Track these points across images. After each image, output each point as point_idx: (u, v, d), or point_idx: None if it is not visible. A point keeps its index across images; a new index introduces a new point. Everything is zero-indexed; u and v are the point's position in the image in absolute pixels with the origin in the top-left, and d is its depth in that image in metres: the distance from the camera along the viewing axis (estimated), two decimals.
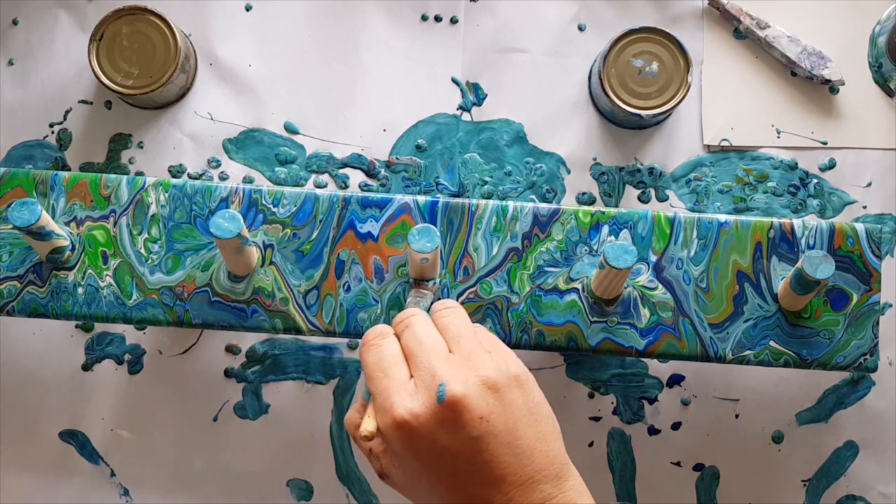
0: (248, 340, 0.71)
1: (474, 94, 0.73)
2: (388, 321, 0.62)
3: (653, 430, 0.71)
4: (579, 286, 0.62)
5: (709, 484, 0.71)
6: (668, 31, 0.69)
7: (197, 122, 0.73)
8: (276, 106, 0.73)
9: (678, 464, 0.71)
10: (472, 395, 0.48)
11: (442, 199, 0.63)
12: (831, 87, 0.73)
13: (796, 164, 0.72)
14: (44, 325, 0.71)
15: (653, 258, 0.63)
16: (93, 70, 0.69)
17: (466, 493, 0.48)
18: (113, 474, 0.71)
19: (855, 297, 0.63)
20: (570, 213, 0.63)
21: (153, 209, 0.63)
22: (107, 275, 0.63)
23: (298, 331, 0.62)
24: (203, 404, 0.71)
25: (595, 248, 0.63)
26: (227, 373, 0.71)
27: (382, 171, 0.72)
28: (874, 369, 0.63)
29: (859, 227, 0.63)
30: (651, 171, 0.72)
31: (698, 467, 0.71)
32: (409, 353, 0.50)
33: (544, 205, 0.63)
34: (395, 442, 0.48)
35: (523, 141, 0.73)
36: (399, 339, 0.52)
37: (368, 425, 0.49)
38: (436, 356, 0.49)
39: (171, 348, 0.72)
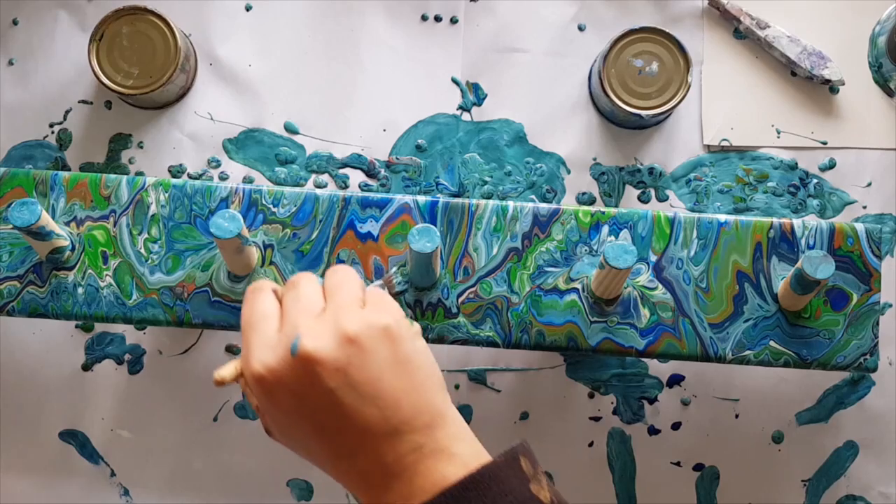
0: None
1: (474, 94, 0.73)
2: None
3: (653, 430, 0.71)
4: (579, 286, 0.62)
5: (709, 484, 0.71)
6: (668, 31, 0.69)
7: (197, 122, 0.73)
8: (276, 106, 0.73)
9: (678, 464, 0.71)
10: (326, 348, 0.47)
11: (442, 199, 0.63)
12: (831, 87, 0.73)
13: (796, 164, 0.72)
14: (44, 325, 0.71)
15: (653, 258, 0.63)
16: (93, 70, 0.69)
17: (334, 444, 0.48)
18: (113, 474, 0.71)
19: (855, 297, 0.63)
20: (570, 213, 0.63)
21: (153, 209, 0.63)
22: (107, 275, 0.63)
23: None
24: (203, 404, 0.71)
25: (595, 248, 0.63)
26: None
27: (382, 171, 0.72)
28: (874, 369, 0.63)
29: (859, 227, 0.63)
30: (651, 171, 0.72)
31: (698, 467, 0.71)
32: (284, 310, 0.50)
33: (544, 205, 0.63)
34: (258, 396, 0.48)
35: (523, 141, 0.73)
36: (271, 298, 0.51)
37: (223, 372, 0.49)
38: (305, 313, 0.49)
39: (171, 348, 0.72)
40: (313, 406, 0.47)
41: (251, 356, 0.48)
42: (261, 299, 0.51)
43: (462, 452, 0.48)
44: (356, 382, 0.47)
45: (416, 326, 0.51)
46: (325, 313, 0.49)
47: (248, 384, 0.49)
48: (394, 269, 0.59)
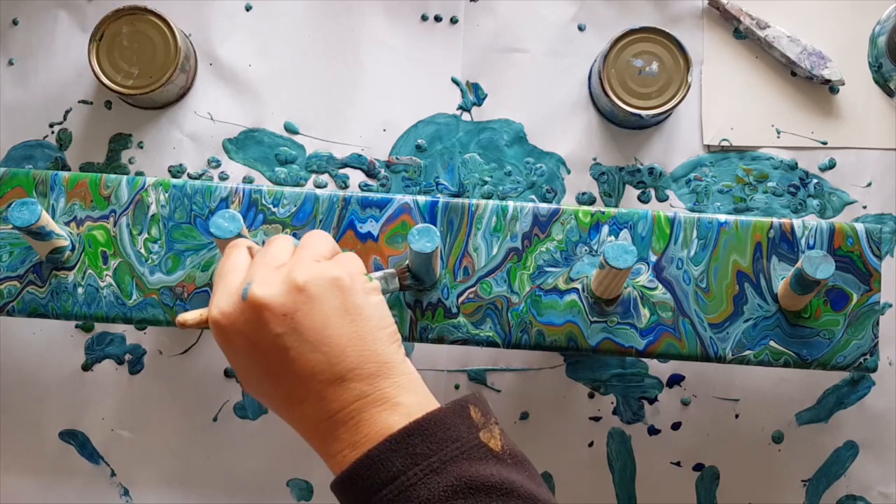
0: None
1: (474, 94, 0.73)
2: None
3: (653, 430, 0.71)
4: (579, 286, 0.62)
5: (709, 484, 0.71)
6: (668, 31, 0.69)
7: (197, 122, 0.73)
8: (276, 106, 0.73)
9: (678, 464, 0.71)
10: (274, 294, 0.49)
11: (442, 199, 0.63)
12: (831, 87, 0.73)
13: (796, 164, 0.72)
14: (44, 325, 0.71)
15: (653, 258, 0.63)
16: (93, 70, 0.69)
17: (283, 389, 0.50)
18: (113, 474, 0.71)
19: (855, 297, 0.63)
20: (570, 213, 0.63)
21: (153, 209, 0.63)
22: (107, 275, 0.63)
23: None
24: (203, 404, 0.71)
25: (595, 248, 0.63)
26: (227, 373, 0.71)
27: (382, 171, 0.72)
28: (874, 369, 0.63)
29: (859, 227, 0.63)
30: (651, 171, 0.72)
31: (698, 467, 0.71)
32: (251, 264, 0.52)
33: (544, 205, 0.63)
34: (218, 340, 0.51)
35: (523, 141, 0.73)
36: (244, 254, 0.54)
37: (187, 315, 0.53)
38: (266, 265, 0.51)
39: (171, 348, 0.72)
40: (263, 350, 0.49)
41: (212, 303, 0.51)
42: (234, 255, 0.53)
43: (408, 402, 0.49)
44: (302, 329, 0.49)
45: (375, 283, 0.52)
46: (283, 266, 0.51)
47: (212, 331, 0.51)
48: (407, 262, 0.59)
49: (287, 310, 0.49)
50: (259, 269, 0.51)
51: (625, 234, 0.63)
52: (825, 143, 0.72)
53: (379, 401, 0.49)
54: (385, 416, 0.48)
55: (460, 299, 0.62)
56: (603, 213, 0.63)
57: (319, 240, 0.53)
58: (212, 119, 0.73)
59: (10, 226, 0.62)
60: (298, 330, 0.49)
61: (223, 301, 0.50)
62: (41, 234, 0.60)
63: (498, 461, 0.47)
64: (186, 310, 0.62)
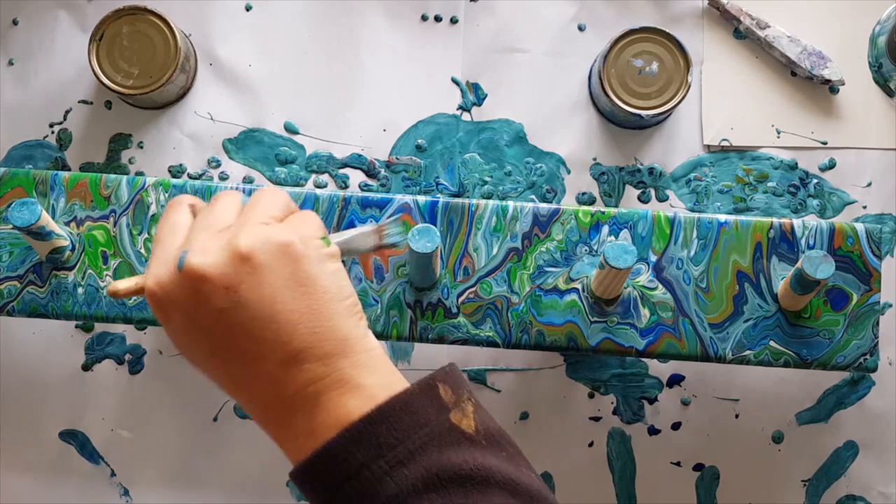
0: None
1: (474, 94, 0.73)
2: (387, 321, 0.62)
3: (653, 430, 0.71)
4: (579, 286, 0.62)
5: (709, 484, 0.71)
6: (668, 31, 0.69)
7: (197, 122, 0.73)
8: (276, 106, 0.73)
9: (678, 464, 0.71)
10: (213, 264, 0.43)
11: (442, 199, 0.63)
12: (831, 87, 0.73)
13: (796, 164, 0.72)
14: (44, 325, 0.71)
15: (653, 258, 0.63)
16: (93, 70, 0.69)
17: (229, 369, 0.44)
18: (113, 474, 0.71)
19: (855, 297, 0.63)
20: (570, 213, 0.63)
21: (153, 209, 0.63)
22: (107, 275, 0.63)
23: None
24: (203, 404, 0.71)
25: (595, 248, 0.63)
26: None
27: (382, 171, 0.72)
28: (874, 369, 0.63)
29: (859, 227, 0.63)
30: (651, 171, 0.72)
31: (698, 467, 0.71)
32: (193, 226, 0.47)
33: (544, 205, 0.63)
34: (154, 311, 0.45)
35: (523, 141, 0.73)
36: (188, 212, 0.48)
37: (120, 283, 0.47)
38: (207, 228, 0.45)
39: (172, 348, 0.72)
40: (205, 326, 0.44)
41: (148, 271, 0.45)
42: (174, 214, 0.48)
43: (370, 383, 0.44)
44: (248, 303, 0.43)
45: (333, 248, 0.47)
46: (227, 229, 0.46)
47: (147, 295, 0.46)
48: (391, 219, 0.54)
49: (229, 282, 0.43)
50: (199, 234, 0.45)
51: (625, 234, 0.63)
52: (825, 143, 0.72)
53: (337, 383, 0.43)
54: (345, 400, 0.43)
55: (460, 299, 0.62)
56: (603, 213, 0.63)
57: (270, 197, 0.47)
58: (212, 119, 0.73)
59: (10, 226, 0.62)
60: (243, 304, 0.43)
61: (159, 269, 0.45)
62: (41, 234, 0.60)
63: (472, 444, 0.42)
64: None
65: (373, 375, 0.44)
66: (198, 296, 0.44)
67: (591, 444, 0.71)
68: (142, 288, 0.46)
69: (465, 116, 0.73)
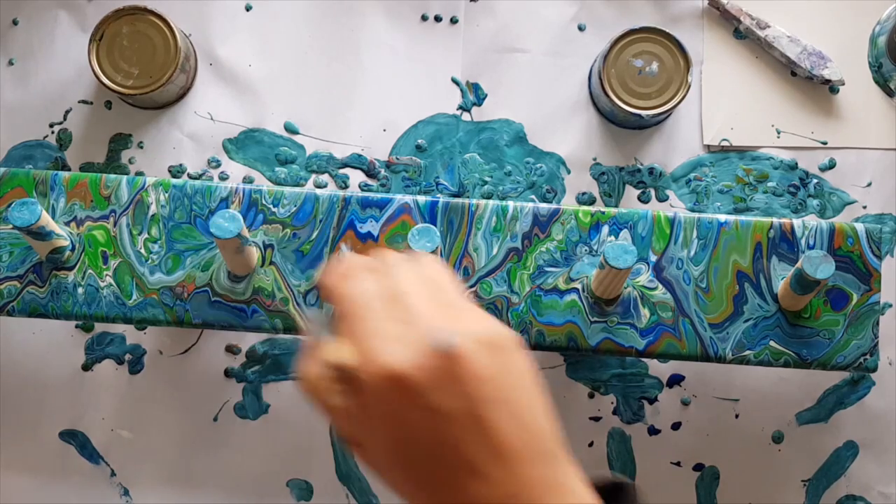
0: (248, 340, 0.71)
1: (474, 94, 0.73)
2: None
3: (653, 430, 0.71)
4: (579, 286, 0.62)
5: (709, 484, 0.71)
6: (668, 31, 0.69)
7: (197, 122, 0.73)
8: (276, 106, 0.73)
9: (678, 464, 0.71)
10: (471, 350, 0.40)
11: (442, 199, 0.63)
12: (831, 87, 0.73)
13: (796, 164, 0.72)
14: (44, 325, 0.71)
15: (653, 258, 0.63)
16: (93, 70, 0.69)
17: (459, 465, 0.40)
18: (113, 474, 0.71)
19: (855, 297, 0.63)
20: (570, 213, 0.63)
21: (153, 209, 0.63)
22: (107, 275, 0.63)
23: (298, 331, 0.62)
24: (203, 404, 0.71)
25: (595, 248, 0.63)
26: (227, 373, 0.71)
27: (382, 171, 0.72)
28: (874, 369, 0.63)
29: (859, 227, 0.63)
30: (651, 171, 0.72)
31: (698, 467, 0.71)
32: (393, 295, 0.42)
33: (544, 205, 0.63)
34: (380, 397, 0.40)
35: (523, 141, 0.73)
36: (374, 279, 0.44)
37: (343, 354, 0.40)
38: (424, 303, 0.42)
39: (171, 348, 0.72)
40: (450, 415, 0.40)
41: (384, 349, 0.40)
42: (367, 279, 0.43)
43: (578, 490, 0.42)
44: (497, 395, 0.40)
45: None
46: (446, 308, 0.42)
47: (369, 383, 0.40)
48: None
49: (482, 371, 0.40)
50: (431, 312, 0.41)
51: (625, 234, 0.63)
52: (825, 143, 0.72)
53: (555, 485, 0.41)
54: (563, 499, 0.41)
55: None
56: (603, 213, 0.63)
57: (452, 274, 0.45)
58: (212, 119, 0.73)
59: (10, 226, 0.62)
60: (493, 397, 0.40)
61: (399, 349, 0.40)
62: (41, 234, 0.60)
63: None
64: (187, 310, 0.62)
65: (578, 480, 0.42)
66: (453, 381, 0.40)
67: (591, 444, 0.71)
68: (354, 366, 0.41)
69: (465, 116, 0.73)
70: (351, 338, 0.41)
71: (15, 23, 0.74)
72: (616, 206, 0.72)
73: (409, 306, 0.41)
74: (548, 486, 0.41)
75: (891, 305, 0.71)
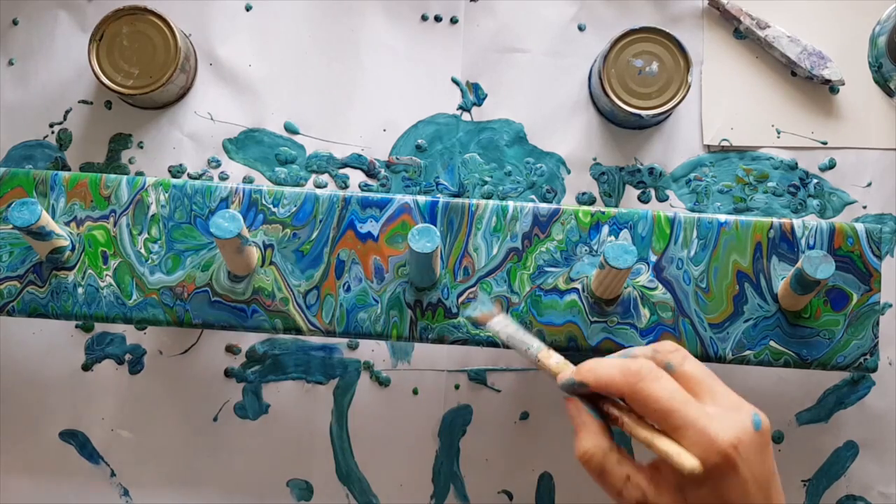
0: (248, 340, 0.71)
1: (474, 94, 0.73)
2: (387, 321, 0.62)
3: None
4: (579, 286, 0.62)
5: None
6: (668, 31, 0.69)
7: (197, 122, 0.73)
8: (276, 106, 0.73)
9: None
10: (769, 430, 0.48)
11: (442, 199, 0.63)
12: (831, 87, 0.73)
13: (796, 164, 0.72)
14: (44, 325, 0.71)
15: (653, 258, 0.63)
16: (93, 70, 0.69)
17: None
18: (113, 474, 0.71)
19: (855, 297, 0.63)
20: (570, 213, 0.63)
21: (153, 209, 0.63)
22: (107, 275, 0.63)
23: (298, 331, 0.62)
24: (203, 404, 0.71)
25: (595, 248, 0.63)
26: (227, 373, 0.71)
27: (382, 171, 0.72)
28: (874, 369, 0.63)
29: (859, 227, 0.63)
30: (651, 171, 0.72)
31: None
32: (692, 382, 0.49)
33: (544, 205, 0.63)
34: (711, 470, 0.46)
35: (523, 141, 0.73)
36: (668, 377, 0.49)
37: (690, 462, 0.45)
38: (719, 390, 0.49)
39: (172, 348, 0.72)
40: (759, 482, 0.47)
41: (718, 433, 0.46)
42: (668, 378, 0.49)
43: None
44: (775, 469, 0.49)
45: None
46: (730, 394, 0.49)
47: (705, 462, 0.46)
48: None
49: (771, 446, 0.48)
50: (733, 397, 0.49)
51: (625, 234, 0.63)
52: (825, 143, 0.72)
53: None
54: None
55: (460, 299, 0.62)
56: (603, 213, 0.63)
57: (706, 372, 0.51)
58: (212, 119, 0.73)
59: (10, 226, 0.62)
60: (776, 470, 0.49)
61: (727, 430, 0.46)
62: (41, 234, 0.60)
63: None
64: (187, 310, 0.62)
65: None
66: (764, 454, 0.47)
67: None
68: (695, 471, 0.46)
69: (465, 116, 0.73)
70: (676, 430, 0.47)
71: (15, 23, 0.74)
72: (616, 206, 0.72)
73: (708, 388, 0.48)
74: None
75: (891, 305, 0.71)
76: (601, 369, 0.49)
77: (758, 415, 0.48)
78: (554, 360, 0.53)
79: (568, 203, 0.72)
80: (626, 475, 0.48)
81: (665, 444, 0.47)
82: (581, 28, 0.74)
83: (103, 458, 0.71)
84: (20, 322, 0.71)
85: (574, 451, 0.50)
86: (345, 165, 0.73)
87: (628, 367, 0.48)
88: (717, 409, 0.47)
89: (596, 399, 0.50)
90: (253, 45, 0.74)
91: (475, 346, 0.62)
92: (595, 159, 0.72)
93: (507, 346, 0.55)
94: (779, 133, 0.73)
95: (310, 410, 0.71)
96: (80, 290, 0.63)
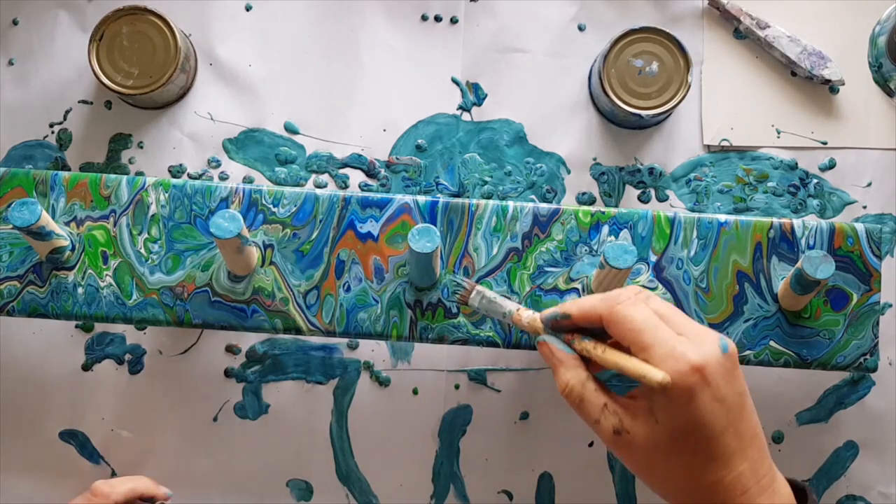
0: (248, 340, 0.71)
1: (474, 94, 0.73)
2: (387, 321, 0.62)
3: None
4: (579, 286, 0.62)
5: None
6: (668, 31, 0.69)
7: (197, 122, 0.73)
8: (276, 106, 0.73)
9: None
10: (736, 353, 0.50)
11: (442, 199, 0.63)
12: (831, 87, 0.73)
13: (796, 164, 0.72)
14: (44, 325, 0.71)
15: (653, 258, 0.63)
16: (93, 70, 0.69)
17: (723, 450, 0.49)
18: (113, 474, 0.71)
19: (855, 297, 0.63)
20: (570, 213, 0.63)
21: (153, 209, 0.63)
22: (107, 275, 0.63)
23: (298, 331, 0.62)
24: (203, 404, 0.71)
25: (595, 248, 0.63)
26: (227, 373, 0.71)
27: (382, 171, 0.72)
28: (874, 369, 0.63)
29: (859, 227, 0.63)
30: (651, 171, 0.72)
31: None
32: (664, 315, 0.51)
33: (544, 205, 0.63)
34: (680, 391, 0.48)
35: (523, 141, 0.73)
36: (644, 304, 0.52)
37: (657, 375, 0.48)
38: (686, 319, 0.51)
39: (171, 348, 0.72)
40: (728, 405, 0.49)
41: (685, 351, 0.48)
42: (646, 303, 0.51)
43: (783, 482, 0.52)
44: (746, 391, 0.50)
45: None
46: (699, 326, 0.51)
47: (673, 380, 0.48)
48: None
49: (739, 369, 0.50)
50: (696, 328, 0.51)
51: (625, 234, 0.63)
52: (825, 143, 0.72)
53: (773, 468, 0.51)
54: (781, 486, 0.51)
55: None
56: (603, 213, 0.63)
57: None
58: (212, 119, 0.73)
59: (10, 226, 0.62)
60: (748, 392, 0.50)
61: (694, 350, 0.48)
62: (41, 234, 0.60)
63: None
64: (187, 310, 0.62)
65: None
66: (732, 376, 0.49)
67: (591, 444, 0.71)
68: (664, 384, 0.48)
69: (465, 116, 0.73)
70: (647, 349, 0.49)
71: (15, 23, 0.74)
72: (616, 206, 0.72)
73: (679, 321, 0.51)
74: (770, 479, 0.50)
75: (891, 305, 0.71)
76: (582, 300, 0.53)
77: (725, 340, 0.49)
78: (525, 318, 0.55)
79: (568, 203, 0.72)
80: (603, 403, 0.51)
81: (634, 362, 0.49)
82: (581, 28, 0.74)
83: (103, 458, 0.71)
84: (20, 322, 0.71)
85: (556, 388, 0.53)
86: (345, 165, 0.73)
87: (608, 294, 0.52)
88: (685, 336, 0.50)
89: (568, 340, 0.53)
90: (253, 45, 0.74)
91: (475, 346, 0.62)
92: (595, 159, 0.72)
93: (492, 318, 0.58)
94: (779, 133, 0.73)
95: (310, 410, 0.71)
96: (80, 290, 0.63)
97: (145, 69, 0.69)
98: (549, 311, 0.54)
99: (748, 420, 0.50)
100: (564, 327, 0.53)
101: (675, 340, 0.49)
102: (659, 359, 0.48)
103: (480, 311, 0.58)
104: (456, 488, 0.71)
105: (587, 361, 0.53)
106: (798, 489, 0.52)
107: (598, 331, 0.52)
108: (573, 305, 0.53)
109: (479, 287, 0.58)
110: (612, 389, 0.68)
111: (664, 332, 0.49)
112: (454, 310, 0.62)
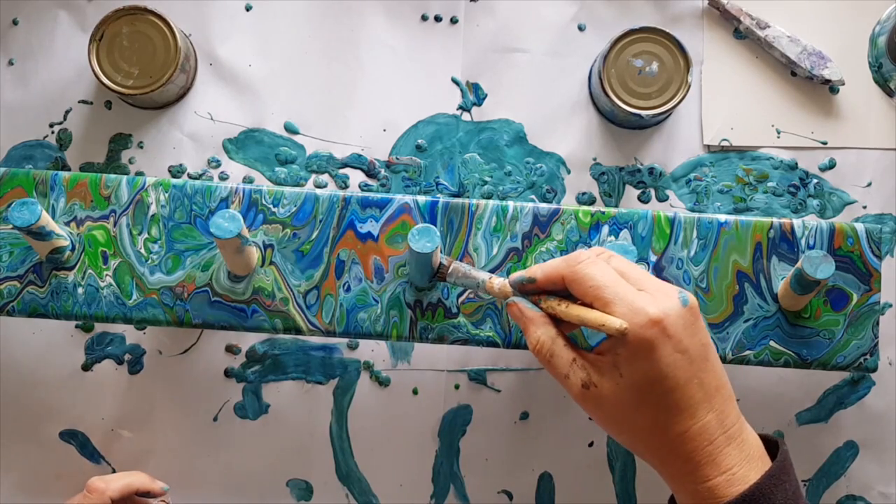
0: (248, 340, 0.71)
1: (474, 94, 0.73)
2: (387, 321, 0.62)
3: None
4: None
5: None
6: (668, 31, 0.69)
7: (197, 122, 0.73)
8: (276, 106, 0.73)
9: None
10: (697, 306, 0.51)
11: (442, 199, 0.63)
12: (831, 87, 0.73)
13: (796, 164, 0.72)
14: (44, 325, 0.71)
15: (653, 258, 0.63)
16: (93, 70, 0.69)
17: (687, 401, 0.50)
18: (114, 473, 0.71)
19: (855, 297, 0.63)
20: (570, 213, 0.63)
21: (153, 209, 0.63)
22: (107, 275, 0.63)
23: (298, 331, 0.62)
24: (203, 404, 0.71)
25: None
26: (227, 373, 0.71)
27: (382, 171, 0.72)
28: (874, 369, 0.63)
29: (859, 227, 0.63)
30: (651, 171, 0.72)
31: None
32: (625, 272, 0.52)
33: (544, 205, 0.63)
34: (640, 343, 0.49)
35: (523, 141, 0.73)
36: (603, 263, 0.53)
37: (616, 323, 0.49)
38: (646, 276, 0.52)
39: (171, 348, 0.72)
40: (691, 356, 0.50)
41: (644, 304, 0.50)
42: (605, 261, 0.53)
43: (752, 432, 0.53)
44: (710, 343, 0.52)
45: None
46: (663, 287, 0.52)
47: (632, 332, 0.49)
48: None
49: (701, 322, 0.51)
50: (655, 285, 0.52)
51: (625, 234, 0.63)
52: (825, 143, 0.72)
53: (741, 419, 0.52)
54: (749, 436, 0.52)
55: (460, 299, 0.62)
56: (603, 213, 0.63)
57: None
58: (212, 119, 0.73)
59: (10, 226, 0.62)
60: (712, 344, 0.52)
61: (654, 304, 0.50)
62: (41, 234, 0.60)
63: None
64: (187, 310, 0.62)
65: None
66: (693, 328, 0.51)
67: (591, 444, 0.71)
68: (622, 330, 0.50)
69: (465, 116, 0.73)
70: (608, 305, 0.50)
71: (15, 23, 0.74)
72: (616, 206, 0.72)
73: (640, 278, 0.52)
74: (738, 429, 0.51)
75: (891, 305, 0.71)
76: (546, 263, 0.54)
77: (685, 293, 0.51)
78: (497, 284, 0.57)
79: (568, 203, 0.72)
80: (572, 358, 0.52)
81: (595, 313, 0.50)
82: (581, 28, 0.74)
83: (104, 458, 0.71)
84: (20, 322, 0.71)
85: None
86: (345, 165, 0.73)
87: (570, 255, 0.54)
88: (646, 292, 0.51)
89: (536, 301, 0.55)
90: (253, 45, 0.74)
91: (475, 346, 0.62)
92: (595, 159, 0.72)
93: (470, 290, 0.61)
94: (779, 133, 0.73)
95: (310, 410, 0.71)
96: (80, 290, 0.63)
97: (145, 69, 0.69)
98: (516, 275, 0.55)
99: (712, 371, 0.51)
100: (531, 290, 0.55)
101: (635, 295, 0.50)
102: (620, 314, 0.50)
103: (459, 285, 0.59)
104: (456, 488, 0.71)
105: (557, 322, 0.54)
106: (770, 442, 0.53)
107: (564, 293, 0.54)
108: (538, 269, 0.54)
109: (455, 262, 0.59)
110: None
111: (624, 287, 0.51)
112: (454, 310, 0.62)
